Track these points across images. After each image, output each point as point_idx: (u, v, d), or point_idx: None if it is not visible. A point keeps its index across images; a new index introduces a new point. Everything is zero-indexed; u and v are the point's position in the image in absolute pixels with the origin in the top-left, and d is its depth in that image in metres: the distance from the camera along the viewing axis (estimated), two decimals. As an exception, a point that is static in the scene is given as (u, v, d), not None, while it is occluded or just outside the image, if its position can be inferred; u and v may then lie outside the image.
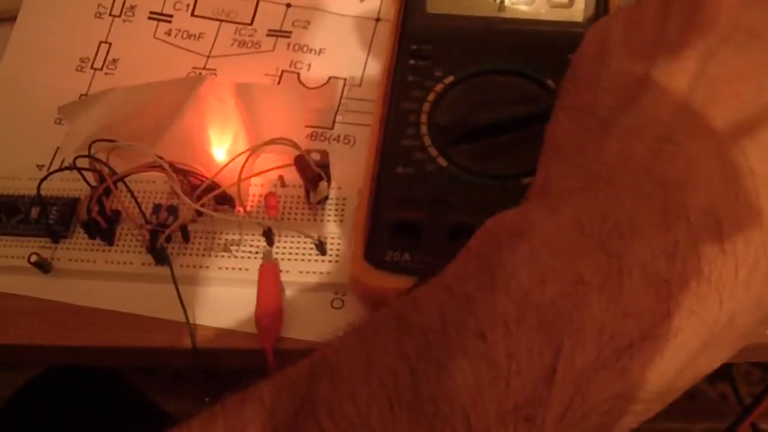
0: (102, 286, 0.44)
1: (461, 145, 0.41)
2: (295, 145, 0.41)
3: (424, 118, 0.42)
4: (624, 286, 0.24)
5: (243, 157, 0.42)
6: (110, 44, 0.52)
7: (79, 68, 0.51)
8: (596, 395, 0.23)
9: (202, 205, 0.42)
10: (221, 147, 0.44)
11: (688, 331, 0.24)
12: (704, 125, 0.25)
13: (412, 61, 0.44)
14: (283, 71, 0.50)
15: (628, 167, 0.26)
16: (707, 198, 0.24)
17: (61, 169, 0.44)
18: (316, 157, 0.42)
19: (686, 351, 0.24)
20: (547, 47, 0.44)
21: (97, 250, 0.44)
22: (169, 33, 0.52)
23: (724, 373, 0.93)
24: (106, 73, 0.51)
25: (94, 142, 0.42)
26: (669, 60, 0.27)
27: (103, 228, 0.43)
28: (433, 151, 0.41)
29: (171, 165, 0.42)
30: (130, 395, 0.69)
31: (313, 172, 0.42)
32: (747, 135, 0.25)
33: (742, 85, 0.26)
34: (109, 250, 0.44)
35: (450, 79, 0.43)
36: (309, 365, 0.26)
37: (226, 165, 0.42)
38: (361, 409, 0.24)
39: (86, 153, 0.42)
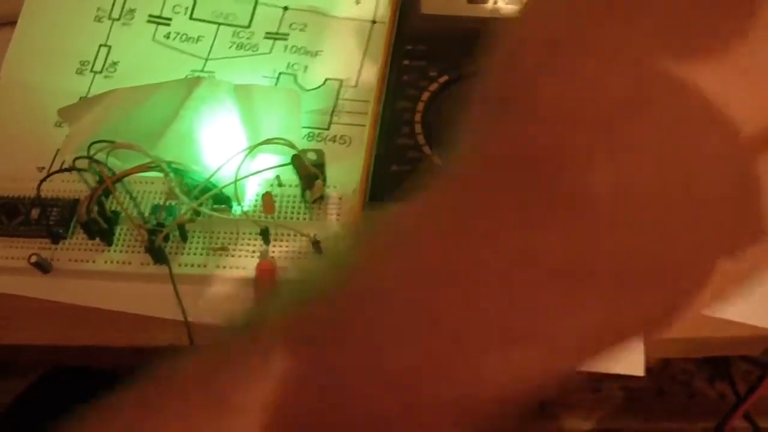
0: (101, 285, 0.44)
1: (455, 144, 0.41)
2: (291, 145, 0.42)
3: (418, 117, 0.42)
4: (477, 286, 0.22)
5: (240, 157, 0.42)
6: (110, 47, 0.52)
7: (78, 71, 0.52)
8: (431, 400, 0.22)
9: (200, 205, 0.42)
10: (219, 147, 0.45)
11: (548, 333, 0.22)
12: (597, 105, 0.22)
13: (406, 61, 0.44)
14: (280, 73, 0.51)
15: (502, 154, 0.23)
16: (575, 183, 0.22)
17: (60, 171, 0.45)
18: (312, 156, 0.43)
19: (546, 353, 0.22)
20: (541, 47, 0.45)
21: (97, 251, 0.44)
22: (167, 36, 0.53)
23: (723, 372, 0.93)
24: (105, 76, 0.52)
25: (93, 143, 0.43)
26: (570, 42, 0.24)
27: (103, 228, 0.44)
28: (427, 150, 0.41)
29: (169, 165, 0.42)
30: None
31: (309, 172, 0.42)
32: (633, 110, 0.22)
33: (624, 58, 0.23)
34: (109, 250, 0.44)
35: (444, 78, 0.43)
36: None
37: (222, 165, 0.42)
38: None
39: (85, 154, 0.43)
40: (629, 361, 0.42)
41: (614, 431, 0.92)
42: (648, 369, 0.91)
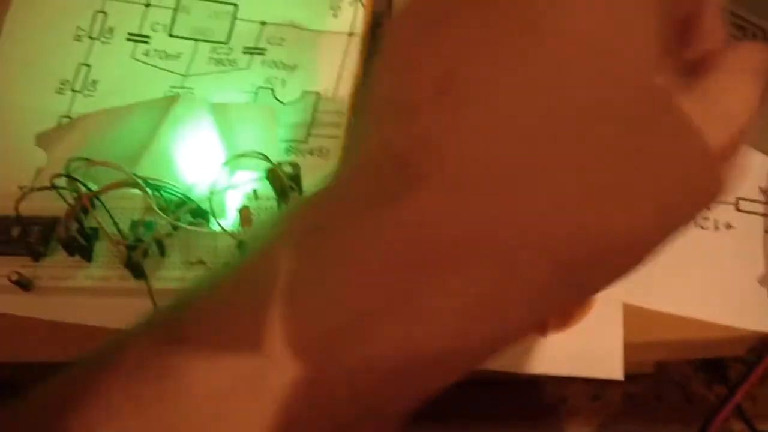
0: (82, 302, 0.44)
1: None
2: (266, 158, 0.42)
3: (391, 127, 0.43)
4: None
5: (216, 172, 0.42)
6: (89, 66, 0.53)
7: (59, 90, 0.52)
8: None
9: (177, 219, 0.43)
10: (198, 166, 0.45)
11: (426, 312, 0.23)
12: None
13: (379, 73, 0.45)
14: (258, 88, 0.51)
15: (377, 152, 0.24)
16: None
17: (38, 189, 0.45)
18: (287, 169, 0.43)
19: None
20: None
21: (77, 267, 0.45)
22: (146, 53, 0.53)
23: (722, 375, 0.93)
24: (86, 95, 0.52)
25: (71, 161, 0.43)
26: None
27: (82, 245, 0.44)
28: (400, 160, 0.41)
29: (145, 181, 0.43)
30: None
31: (283, 185, 0.43)
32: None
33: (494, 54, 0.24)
34: (89, 267, 0.45)
35: (416, 89, 0.44)
36: None
37: (199, 179, 0.42)
38: None
39: (64, 173, 0.43)
40: (607, 365, 0.42)
41: (612, 437, 0.92)
42: (646, 375, 0.90)
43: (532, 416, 0.96)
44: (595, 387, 0.98)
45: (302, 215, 0.25)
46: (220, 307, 0.24)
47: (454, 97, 0.23)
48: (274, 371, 0.22)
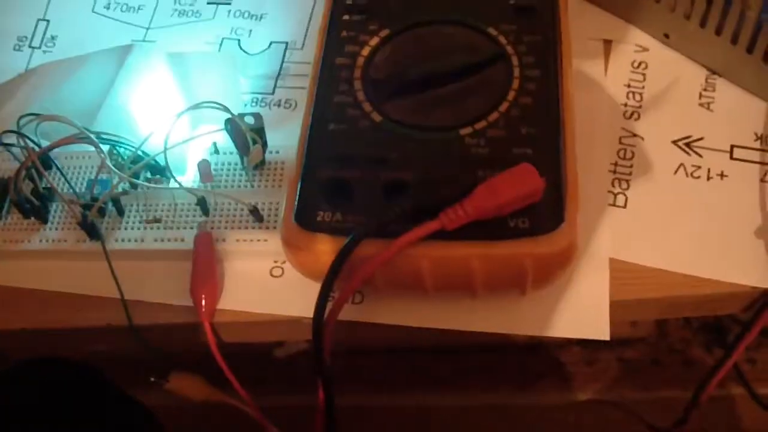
0: (38, 265, 0.42)
1: (397, 99, 0.39)
2: (225, 109, 0.40)
3: (358, 73, 0.40)
4: None
5: (171, 125, 0.40)
6: (48, 21, 0.51)
7: (16, 47, 0.50)
8: None
9: (133, 176, 0.40)
10: (156, 117, 0.43)
11: None
12: None
13: (346, 16, 0.42)
14: (223, 39, 0.49)
15: None
16: None
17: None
18: (249, 121, 0.41)
19: None
20: (486, -6, 0.42)
21: (32, 230, 0.42)
22: (107, 6, 0.51)
23: (720, 339, 0.91)
24: (44, 51, 0.50)
25: (21, 117, 0.41)
26: None
27: (36, 206, 0.42)
28: (367, 107, 0.39)
29: (99, 136, 0.40)
30: (104, 389, 0.67)
31: (243, 137, 0.40)
32: None
33: None
34: (44, 229, 0.42)
35: (385, 32, 0.41)
36: None
37: (151, 133, 0.40)
38: None
39: (15, 129, 0.41)
40: (593, 325, 0.40)
41: (610, 402, 0.90)
42: (643, 339, 0.88)
43: (528, 382, 0.94)
44: (591, 352, 0.96)
45: None
46: None
47: None
48: None
